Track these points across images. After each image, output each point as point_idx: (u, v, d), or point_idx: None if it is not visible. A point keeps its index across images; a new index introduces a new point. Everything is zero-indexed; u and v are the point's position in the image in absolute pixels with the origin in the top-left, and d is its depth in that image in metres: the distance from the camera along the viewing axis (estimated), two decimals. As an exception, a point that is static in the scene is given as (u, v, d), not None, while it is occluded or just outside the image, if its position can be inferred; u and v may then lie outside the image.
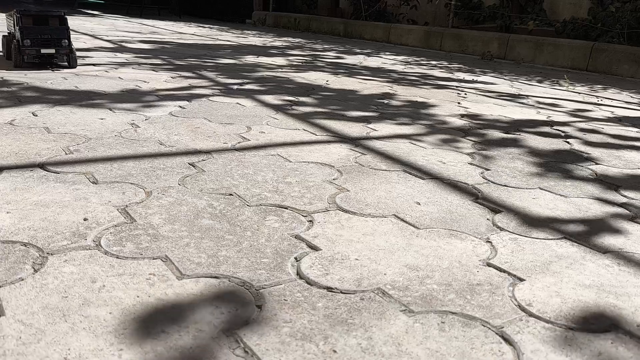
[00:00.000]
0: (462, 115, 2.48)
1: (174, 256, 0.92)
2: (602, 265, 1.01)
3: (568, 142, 2.08)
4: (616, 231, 1.19)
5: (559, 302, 0.86)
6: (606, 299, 0.89)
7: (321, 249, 0.99)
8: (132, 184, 1.26)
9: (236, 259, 0.93)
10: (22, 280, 0.81)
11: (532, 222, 1.21)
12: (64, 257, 0.89)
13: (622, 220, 1.26)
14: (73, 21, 7.02)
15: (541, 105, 2.97)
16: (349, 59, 4.82)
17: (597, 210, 1.32)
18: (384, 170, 1.52)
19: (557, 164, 1.74)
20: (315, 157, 1.60)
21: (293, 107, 2.37)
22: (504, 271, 0.96)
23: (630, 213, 1.32)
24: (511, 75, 4.48)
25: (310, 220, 1.12)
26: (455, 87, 3.44)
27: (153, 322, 0.74)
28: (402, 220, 1.16)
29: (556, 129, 2.33)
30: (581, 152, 1.94)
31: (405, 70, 4.23)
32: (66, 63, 2.94)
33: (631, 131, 2.41)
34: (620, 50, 5.01)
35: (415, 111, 2.50)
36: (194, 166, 1.42)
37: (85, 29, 6.11)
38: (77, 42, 4.50)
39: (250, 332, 0.73)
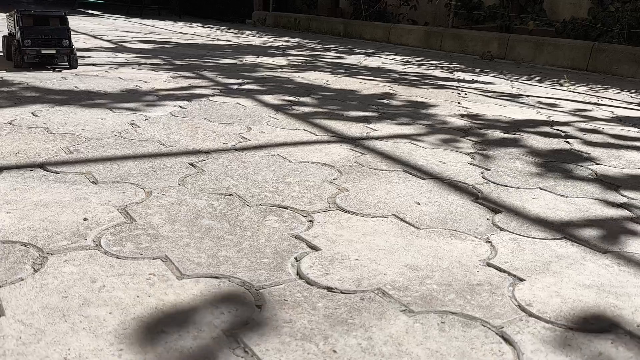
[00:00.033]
0: (462, 115, 2.48)
1: (174, 256, 0.92)
2: (602, 265, 1.01)
3: (568, 142, 2.08)
4: (616, 231, 1.19)
5: (559, 302, 0.86)
6: (606, 299, 0.89)
7: (321, 249, 0.99)
8: (132, 184, 1.26)
9: (236, 259, 0.93)
10: (22, 280, 0.81)
11: (532, 222, 1.21)
12: (64, 257, 0.89)
13: (622, 220, 1.26)
14: (73, 21, 7.02)
15: (541, 105, 2.97)
16: (349, 59, 4.82)
17: (597, 210, 1.32)
18: (384, 170, 1.52)
19: (557, 164, 1.73)
20: (315, 157, 1.60)
21: (293, 107, 2.37)
22: (504, 271, 0.96)
23: (630, 213, 1.32)
24: (511, 75, 4.48)
25: (310, 220, 1.12)
26: (455, 87, 3.44)
27: (153, 322, 0.74)
28: (402, 220, 1.16)
29: (556, 129, 2.33)
30: (581, 152, 1.94)
31: (405, 70, 4.23)
32: (67, 63, 2.94)
33: (631, 131, 2.41)
34: (620, 50, 5.01)
35: (415, 111, 2.50)
36: (194, 166, 1.42)
37: (85, 29, 6.11)
38: (77, 42, 4.50)
39: (250, 332, 0.73)
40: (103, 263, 0.88)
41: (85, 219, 1.04)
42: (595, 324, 0.81)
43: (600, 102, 3.27)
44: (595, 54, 5.18)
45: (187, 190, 1.24)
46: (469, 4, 7.16)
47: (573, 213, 1.28)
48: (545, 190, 1.45)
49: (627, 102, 3.34)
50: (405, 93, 3.05)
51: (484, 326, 0.78)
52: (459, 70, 4.55)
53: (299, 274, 0.89)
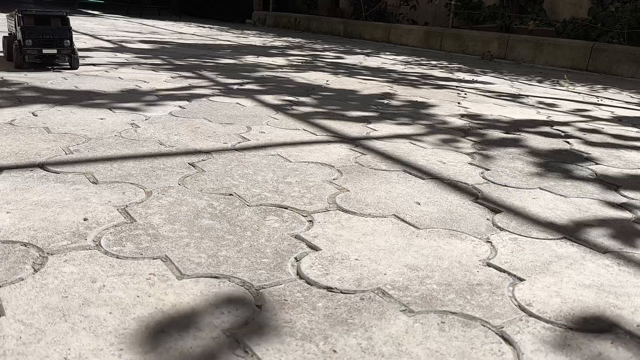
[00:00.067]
0: (462, 115, 2.48)
1: (174, 256, 0.92)
2: (602, 265, 1.01)
3: (568, 142, 2.08)
4: (616, 231, 1.19)
5: (559, 302, 0.86)
6: (606, 299, 0.89)
7: (321, 249, 0.99)
8: (132, 184, 1.26)
9: (236, 259, 0.93)
10: (22, 280, 0.81)
11: (532, 222, 1.21)
12: (64, 257, 0.89)
13: (622, 221, 1.26)
14: (73, 21, 7.01)
15: (541, 105, 2.97)
16: (349, 59, 4.82)
17: (597, 210, 1.32)
18: (384, 170, 1.52)
19: (557, 164, 1.74)
20: (315, 157, 1.60)
21: (293, 107, 2.37)
22: (504, 271, 0.96)
23: (630, 213, 1.32)
24: (511, 75, 4.48)
25: (310, 220, 1.12)
26: (455, 87, 3.44)
27: (153, 322, 0.74)
28: (402, 220, 1.16)
29: (556, 129, 2.33)
30: (581, 152, 1.94)
31: (405, 70, 4.23)
32: (68, 64, 2.93)
33: (631, 131, 2.41)
34: (620, 50, 5.01)
35: (415, 111, 2.50)
36: (194, 166, 1.42)
37: (85, 29, 6.11)
38: (77, 42, 4.50)
39: (250, 332, 0.73)
40: (103, 263, 0.88)
41: (85, 219, 1.04)
42: (595, 324, 0.81)
43: (600, 102, 3.27)
44: (595, 54, 5.18)
45: (187, 190, 1.24)
46: (469, 4, 7.16)
47: (573, 213, 1.28)
48: (545, 190, 1.45)
49: (627, 102, 3.34)
50: (405, 93, 3.05)
51: (484, 326, 0.78)
52: (459, 70, 4.55)
53: (299, 274, 0.89)
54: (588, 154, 1.92)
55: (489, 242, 1.08)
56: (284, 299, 0.82)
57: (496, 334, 0.77)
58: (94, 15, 9.69)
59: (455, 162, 1.66)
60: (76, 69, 2.93)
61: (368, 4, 8.63)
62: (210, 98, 2.42)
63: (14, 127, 1.69)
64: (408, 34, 7.28)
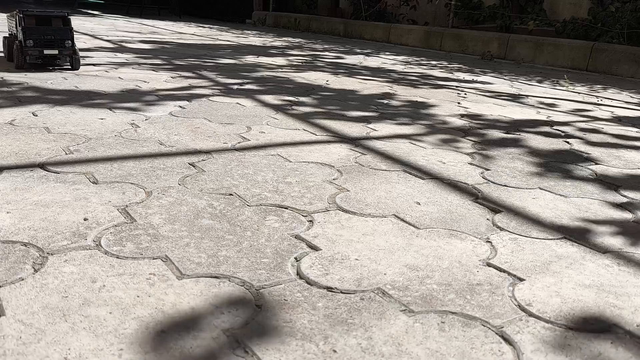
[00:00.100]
0: (462, 115, 2.48)
1: (174, 256, 0.92)
2: (602, 265, 1.01)
3: (568, 142, 2.08)
4: (616, 231, 1.19)
5: (559, 302, 0.86)
6: (606, 299, 0.89)
7: (321, 249, 0.99)
8: (132, 184, 1.26)
9: (236, 259, 0.93)
10: (22, 280, 0.81)
11: (532, 222, 1.21)
12: (64, 257, 0.89)
13: (622, 220, 1.26)
14: (73, 21, 7.01)
15: (541, 105, 2.97)
16: (349, 59, 4.82)
17: (597, 210, 1.32)
18: (384, 170, 1.52)
19: (557, 164, 1.74)
20: (315, 157, 1.61)
21: (293, 107, 2.37)
22: (504, 271, 0.96)
23: (630, 213, 1.32)
24: (511, 75, 4.48)
25: (310, 220, 1.12)
26: (455, 87, 3.44)
27: (153, 322, 0.74)
28: (402, 220, 1.16)
29: (556, 129, 2.33)
30: (581, 152, 1.94)
31: (405, 70, 4.23)
32: (69, 65, 2.93)
33: (631, 131, 2.41)
34: (620, 50, 5.01)
35: (415, 111, 2.50)
36: (194, 166, 1.42)
37: (85, 29, 6.11)
38: (77, 42, 4.49)
39: (250, 332, 0.73)
40: (103, 263, 0.88)
41: (85, 219, 1.04)
42: (595, 324, 0.81)
43: (600, 102, 3.27)
44: (595, 54, 5.18)
45: (187, 190, 1.24)
46: (469, 4, 7.16)
47: (573, 213, 1.29)
48: (545, 190, 1.45)
49: (626, 102, 3.34)
50: (405, 93, 3.05)
51: (484, 326, 0.78)
52: (459, 70, 4.55)
53: (299, 274, 0.89)
54: (588, 154, 1.92)
55: (489, 242, 1.08)
56: (284, 299, 0.82)
57: (496, 334, 0.77)
58: (94, 15, 9.69)
59: (455, 162, 1.66)
60: (77, 69, 2.93)
61: (368, 4, 8.63)
62: (210, 98, 2.42)
63: (14, 127, 1.69)
64: (408, 34, 7.28)
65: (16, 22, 2.75)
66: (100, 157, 1.44)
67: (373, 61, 4.81)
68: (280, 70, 3.68)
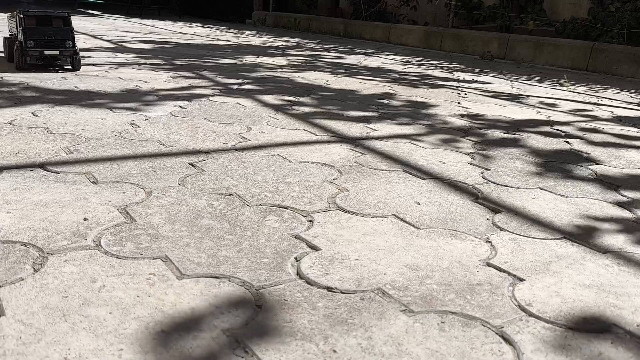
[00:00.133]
0: (462, 115, 2.48)
1: (174, 256, 0.92)
2: (602, 265, 1.01)
3: (568, 142, 2.08)
4: (616, 231, 1.19)
5: (559, 302, 0.86)
6: (606, 299, 0.89)
7: (321, 249, 0.99)
8: (132, 184, 1.26)
9: (236, 259, 0.93)
10: (22, 280, 0.81)
11: (532, 222, 1.21)
12: (64, 257, 0.89)
13: (622, 220, 1.26)
14: (73, 21, 7.02)
15: (541, 105, 2.97)
16: (349, 59, 4.82)
17: (597, 210, 1.32)
18: (384, 170, 1.52)
19: (557, 164, 1.74)
20: (315, 157, 1.60)
21: (293, 107, 2.37)
22: (504, 271, 0.96)
23: (630, 213, 1.32)
24: (511, 75, 4.48)
25: (310, 220, 1.12)
26: (455, 87, 3.44)
27: (153, 322, 0.74)
28: (402, 220, 1.16)
29: (556, 129, 2.33)
30: (581, 152, 1.94)
31: (405, 70, 4.23)
32: (70, 65, 2.92)
33: (631, 131, 2.41)
34: (620, 50, 5.01)
35: (415, 111, 2.50)
36: (194, 166, 1.42)
37: (86, 29, 6.11)
38: (77, 42, 4.49)
39: (250, 332, 0.73)
40: (103, 263, 0.88)
41: (85, 219, 1.04)
42: (595, 324, 0.81)
43: (600, 102, 3.27)
44: (595, 54, 5.18)
45: (187, 190, 1.24)
46: (469, 4, 7.16)
47: (573, 213, 1.29)
48: (545, 190, 1.45)
49: (626, 102, 3.34)
50: (405, 93, 3.05)
51: (484, 326, 0.78)
52: (459, 70, 4.55)
53: (299, 274, 0.89)
54: (588, 154, 1.92)
55: (489, 242, 1.08)
56: (284, 299, 0.82)
57: (496, 334, 0.77)
58: (94, 15, 9.69)
59: (455, 162, 1.66)
60: (78, 70, 2.92)
61: (368, 4, 8.63)
62: (210, 98, 2.42)
63: (14, 127, 1.69)
64: (408, 34, 7.28)
65: (16, 23, 2.74)
66: (100, 157, 1.44)
67: (373, 61, 4.81)
68: (280, 70, 3.68)
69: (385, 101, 2.72)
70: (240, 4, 11.22)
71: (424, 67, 4.62)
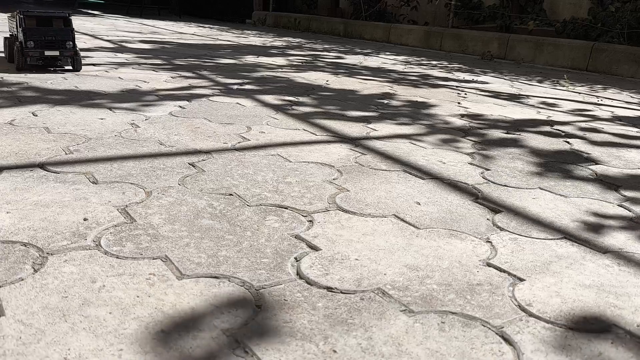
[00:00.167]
0: (462, 115, 2.48)
1: (174, 256, 0.92)
2: (602, 265, 1.01)
3: (568, 142, 2.08)
4: (616, 231, 1.19)
5: (559, 302, 0.86)
6: (606, 299, 0.89)
7: (321, 249, 0.99)
8: (132, 184, 1.26)
9: (236, 259, 0.93)
10: (22, 280, 0.81)
11: (532, 222, 1.21)
12: (64, 257, 0.89)
13: (622, 220, 1.26)
14: (73, 21, 7.02)
15: (541, 105, 2.97)
16: (349, 59, 4.82)
17: (597, 210, 1.32)
18: (384, 170, 1.52)
19: (557, 164, 1.74)
20: (315, 157, 1.60)
21: (293, 107, 2.37)
22: (504, 271, 0.96)
23: (631, 213, 1.32)
24: (511, 75, 4.48)
25: (310, 220, 1.12)
26: (455, 87, 3.44)
27: (153, 322, 0.74)
28: (402, 220, 1.16)
29: (556, 129, 2.33)
30: (581, 152, 1.94)
31: (405, 70, 4.23)
32: (70, 66, 2.91)
33: (631, 131, 2.41)
34: (620, 50, 5.01)
35: (415, 111, 2.50)
36: (194, 166, 1.42)
37: (86, 29, 6.11)
38: (77, 42, 4.49)
39: (250, 332, 0.73)
40: (103, 263, 0.88)
41: (85, 219, 1.04)
42: (595, 324, 0.81)
43: (600, 102, 3.27)
44: (595, 54, 5.17)
45: (187, 190, 1.24)
46: (469, 4, 7.16)
47: (573, 213, 1.28)
48: (545, 190, 1.45)
49: (627, 102, 3.34)
50: (405, 93, 3.05)
51: (484, 326, 0.78)
52: (459, 70, 4.55)
53: (299, 274, 0.89)
54: (588, 154, 1.92)
55: (489, 242, 1.08)
56: (284, 299, 0.81)
57: (496, 334, 0.77)
58: (94, 15, 9.69)
59: (455, 162, 1.66)
60: (79, 70, 2.91)
61: (368, 4, 8.63)
62: (210, 98, 2.42)
63: (14, 127, 1.69)
64: (408, 34, 7.28)
65: (17, 23, 2.73)
66: (100, 157, 1.44)
67: (373, 61, 4.81)
68: (280, 70, 3.68)
69: (385, 101, 2.72)
70: (240, 4, 11.22)
71: (424, 67, 4.62)
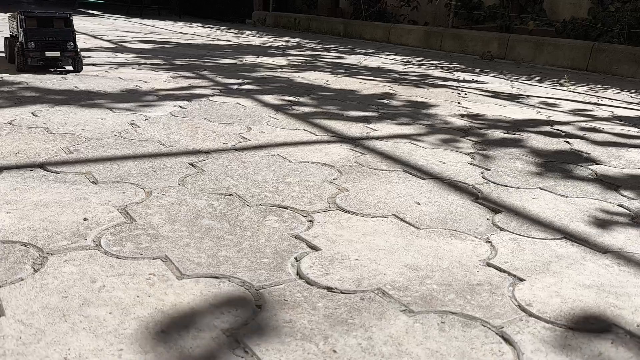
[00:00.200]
0: (462, 115, 2.48)
1: (174, 256, 0.92)
2: (602, 265, 1.01)
3: (568, 142, 2.08)
4: (616, 231, 1.19)
5: (559, 302, 0.86)
6: (606, 299, 0.89)
7: (321, 249, 0.99)
8: (132, 184, 1.26)
9: (236, 259, 0.93)
10: (22, 280, 0.81)
11: (532, 222, 1.21)
12: (64, 257, 0.89)
13: (622, 220, 1.26)
14: (73, 21, 7.01)
15: (541, 105, 2.97)
16: (349, 59, 4.82)
17: (597, 210, 1.32)
18: (384, 170, 1.52)
19: (557, 164, 1.74)
20: (315, 157, 1.60)
21: (293, 107, 2.37)
22: (504, 271, 0.96)
23: (630, 213, 1.32)
24: (511, 75, 4.48)
25: (310, 220, 1.12)
26: (455, 87, 3.44)
27: (153, 322, 0.74)
28: (402, 220, 1.16)
29: (556, 129, 2.33)
30: (581, 152, 1.94)
31: (405, 70, 4.23)
32: (71, 67, 2.90)
33: (631, 131, 2.41)
34: (620, 50, 5.01)
35: (415, 111, 2.50)
36: (194, 166, 1.42)
37: (86, 29, 6.11)
38: (77, 42, 4.49)
39: (250, 332, 0.73)
40: (103, 263, 0.88)
41: (85, 219, 1.04)
42: (595, 324, 0.81)
43: (600, 102, 3.27)
44: (595, 54, 5.17)
45: (187, 190, 1.24)
46: (469, 4, 7.16)
47: (573, 213, 1.28)
48: (545, 190, 1.45)
49: (627, 102, 3.34)
50: (405, 93, 3.05)
51: (484, 326, 0.78)
52: (459, 70, 4.55)
53: (299, 274, 0.89)
54: (588, 154, 1.92)
55: (489, 242, 1.08)
56: (284, 299, 0.81)
57: (496, 334, 0.77)
58: (94, 15, 9.69)
59: (455, 162, 1.66)
60: (80, 71, 2.90)
61: (368, 4, 8.63)
62: (210, 98, 2.42)
63: (14, 127, 1.69)
64: (408, 34, 7.28)
65: (17, 24, 2.73)
66: (100, 157, 1.44)
67: (373, 61, 4.81)
68: (280, 70, 3.68)
69: (385, 101, 2.72)
70: (240, 4, 11.22)
71: (424, 67, 4.62)
